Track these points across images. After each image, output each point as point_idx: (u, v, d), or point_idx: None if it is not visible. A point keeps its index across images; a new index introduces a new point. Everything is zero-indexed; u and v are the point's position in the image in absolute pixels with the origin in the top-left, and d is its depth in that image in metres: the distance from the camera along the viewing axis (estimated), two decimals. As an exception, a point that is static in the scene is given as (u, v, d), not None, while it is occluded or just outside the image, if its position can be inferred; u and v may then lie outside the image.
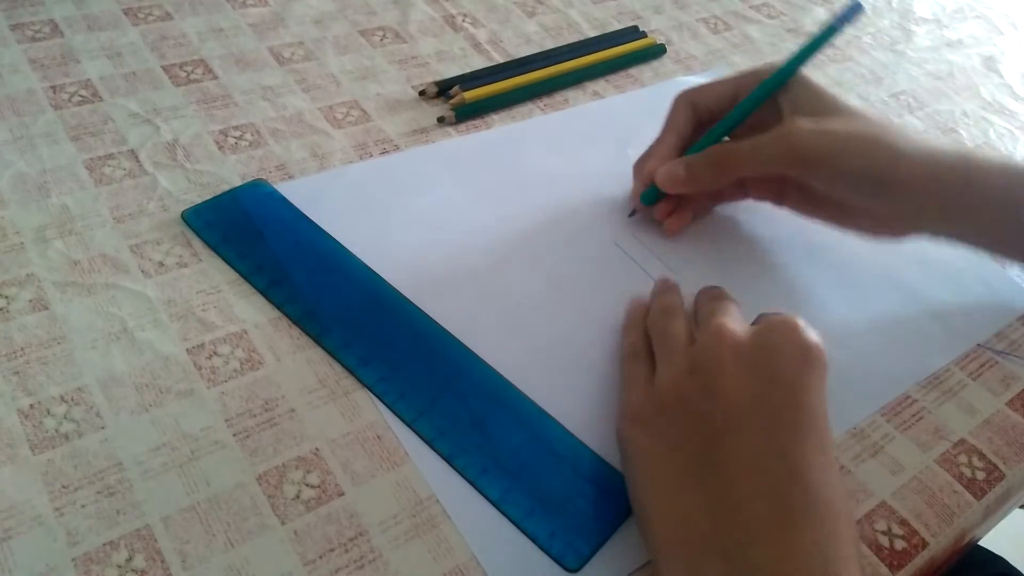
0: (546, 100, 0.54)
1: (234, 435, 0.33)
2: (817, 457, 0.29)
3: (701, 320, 0.36)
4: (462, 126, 0.51)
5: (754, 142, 0.40)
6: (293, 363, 0.36)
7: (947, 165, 0.40)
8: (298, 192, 0.43)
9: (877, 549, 0.34)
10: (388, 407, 0.35)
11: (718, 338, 0.32)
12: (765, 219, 0.48)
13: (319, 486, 0.32)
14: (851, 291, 0.45)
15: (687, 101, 0.44)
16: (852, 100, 0.61)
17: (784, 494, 0.28)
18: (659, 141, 0.44)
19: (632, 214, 0.46)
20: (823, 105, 0.41)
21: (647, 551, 0.31)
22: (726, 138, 0.44)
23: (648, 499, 0.31)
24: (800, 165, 0.40)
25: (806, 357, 0.31)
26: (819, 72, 0.63)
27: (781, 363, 0.31)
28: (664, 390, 0.33)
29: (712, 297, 0.38)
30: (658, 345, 0.36)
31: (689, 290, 0.42)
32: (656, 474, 0.31)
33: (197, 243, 0.40)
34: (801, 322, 0.33)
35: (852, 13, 0.42)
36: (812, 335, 0.32)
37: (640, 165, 0.45)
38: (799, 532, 0.27)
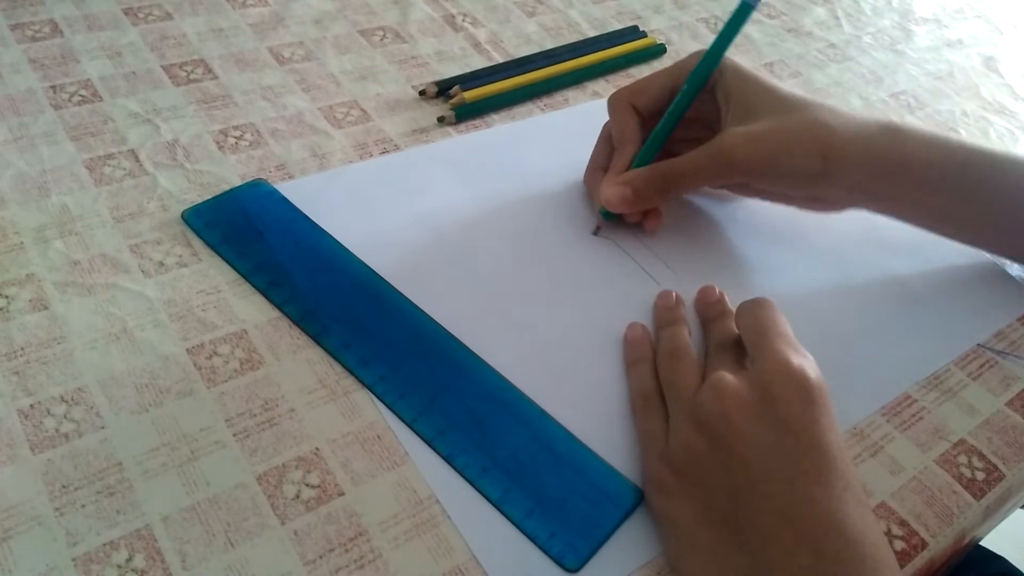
0: (546, 100, 0.54)
1: (234, 435, 0.33)
2: (845, 496, 0.29)
3: (706, 364, 0.36)
4: (462, 126, 0.51)
5: (695, 159, 0.40)
6: (293, 363, 0.36)
7: (880, 147, 0.41)
8: (298, 192, 0.43)
9: (877, 549, 0.34)
10: (388, 407, 0.35)
11: (719, 394, 0.32)
12: (765, 218, 0.48)
13: (319, 486, 0.32)
14: (851, 291, 0.45)
15: (626, 105, 0.43)
16: (853, 100, 0.61)
17: (821, 541, 0.28)
18: (618, 153, 0.43)
19: (596, 231, 0.45)
20: (755, 96, 0.41)
21: None
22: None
23: (690, 565, 0.31)
24: (740, 175, 0.41)
25: (809, 397, 0.31)
26: (819, 72, 0.63)
27: (787, 410, 0.31)
28: (677, 453, 0.32)
29: (716, 333, 0.38)
30: (668, 392, 0.36)
31: (689, 289, 0.42)
32: (692, 543, 0.31)
33: (197, 243, 0.40)
34: (793, 359, 0.32)
35: None
36: (807, 368, 0.32)
37: (592, 178, 0.45)
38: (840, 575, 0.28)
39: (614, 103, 0.44)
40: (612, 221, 0.45)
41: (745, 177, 0.41)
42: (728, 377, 0.33)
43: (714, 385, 0.32)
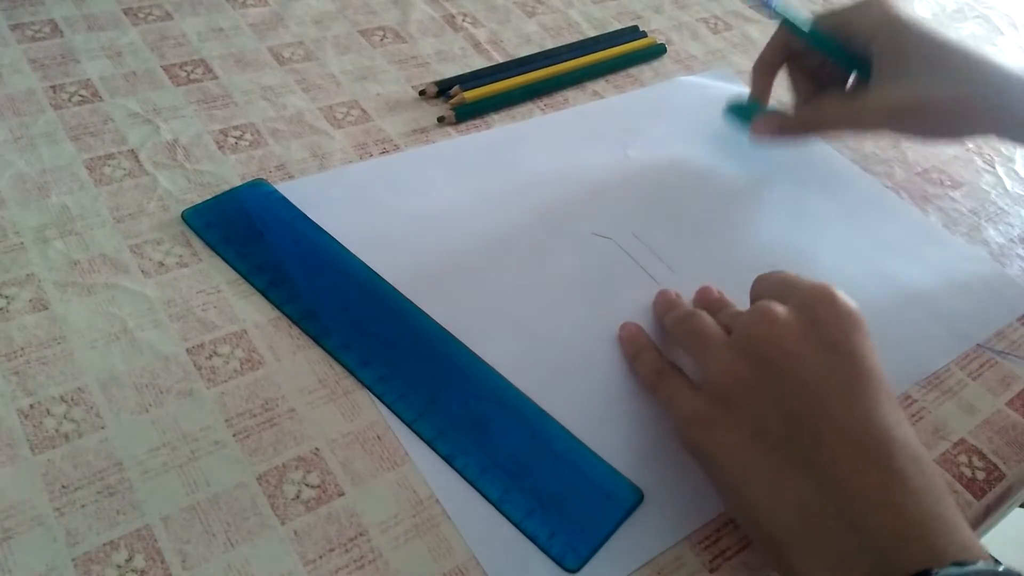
0: (546, 100, 0.54)
1: (234, 435, 0.33)
2: (895, 415, 0.30)
3: (733, 313, 0.36)
4: (462, 126, 0.51)
5: (841, 112, 0.45)
6: (293, 363, 0.36)
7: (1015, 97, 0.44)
8: (298, 192, 0.43)
9: (877, 549, 0.34)
10: (388, 407, 0.35)
11: (768, 319, 0.32)
12: (765, 219, 0.48)
13: (319, 486, 0.32)
14: (851, 291, 0.45)
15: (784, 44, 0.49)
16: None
17: (886, 458, 0.29)
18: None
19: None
20: (908, 53, 0.44)
21: (762, 549, 0.31)
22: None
23: (752, 496, 0.30)
24: (882, 133, 0.47)
25: (853, 321, 0.32)
26: (819, 72, 0.63)
27: (834, 333, 0.32)
28: (720, 383, 0.32)
29: (722, 316, 0.38)
30: (692, 345, 0.35)
31: (689, 289, 0.42)
32: (750, 469, 0.30)
33: (197, 243, 0.40)
34: (834, 288, 0.33)
35: None
36: (848, 298, 0.33)
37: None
38: (910, 490, 0.28)
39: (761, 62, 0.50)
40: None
41: (891, 132, 0.46)
42: (774, 304, 0.33)
43: (761, 310, 0.33)
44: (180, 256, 0.39)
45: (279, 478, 0.32)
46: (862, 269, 0.46)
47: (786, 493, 0.29)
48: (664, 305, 0.41)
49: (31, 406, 0.33)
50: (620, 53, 0.59)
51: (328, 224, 0.42)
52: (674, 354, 0.38)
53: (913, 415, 0.40)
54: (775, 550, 0.29)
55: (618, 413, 0.37)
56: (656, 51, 0.61)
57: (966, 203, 0.53)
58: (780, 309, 0.32)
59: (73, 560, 0.29)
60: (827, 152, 0.55)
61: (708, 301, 0.40)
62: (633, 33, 0.62)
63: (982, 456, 0.38)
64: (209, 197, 0.42)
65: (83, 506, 0.30)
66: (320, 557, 0.30)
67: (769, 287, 0.36)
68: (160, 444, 0.32)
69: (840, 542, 0.28)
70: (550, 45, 0.59)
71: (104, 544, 0.29)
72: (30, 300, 0.36)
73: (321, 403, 0.35)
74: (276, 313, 0.38)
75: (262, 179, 0.44)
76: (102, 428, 0.32)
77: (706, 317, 0.36)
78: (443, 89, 0.52)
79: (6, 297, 0.36)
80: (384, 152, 0.48)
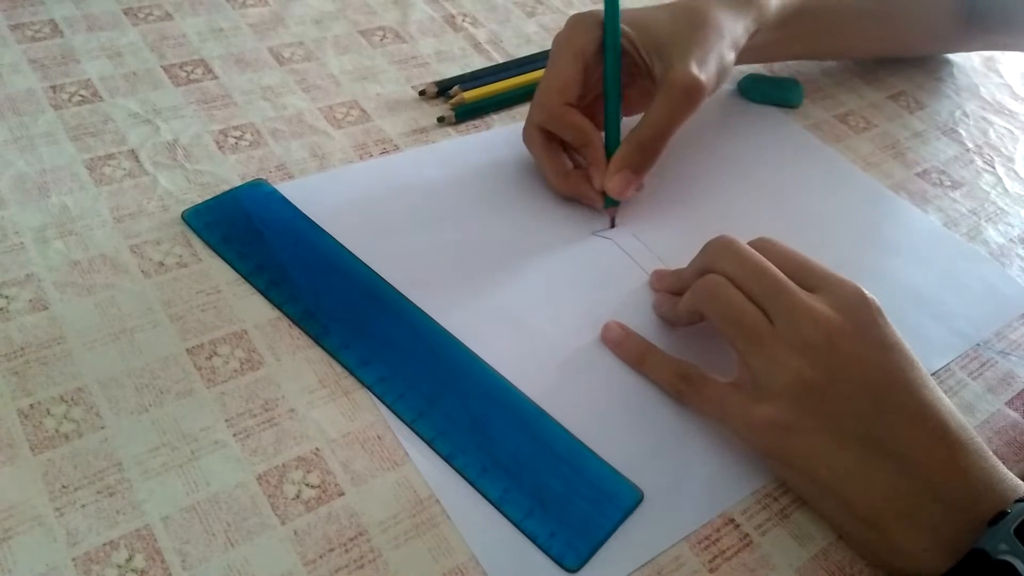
0: (546, 100, 0.54)
1: (234, 435, 0.33)
2: (935, 389, 0.33)
3: (770, 302, 0.35)
4: (462, 126, 0.51)
5: (667, 107, 0.42)
6: (293, 363, 0.36)
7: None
8: (298, 192, 0.43)
9: (877, 549, 0.34)
10: (388, 407, 0.35)
11: (818, 324, 0.33)
12: (764, 218, 0.48)
13: (319, 486, 0.32)
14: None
15: (565, 107, 0.44)
16: (852, 101, 0.61)
17: (943, 431, 0.32)
18: (588, 149, 0.44)
19: (613, 223, 0.46)
20: (658, 28, 0.44)
21: (857, 534, 0.33)
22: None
23: (843, 489, 0.32)
24: (707, 96, 0.43)
25: (883, 315, 0.34)
26: (819, 72, 0.63)
27: (877, 330, 0.34)
28: (792, 389, 0.33)
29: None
30: (738, 338, 0.34)
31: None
32: (839, 466, 0.32)
33: (197, 243, 0.40)
34: (862, 288, 0.35)
35: None
36: (868, 292, 0.35)
37: (571, 182, 0.45)
38: (969, 453, 0.32)
39: (554, 110, 0.44)
40: (614, 206, 0.45)
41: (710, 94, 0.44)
42: (817, 307, 0.34)
43: (807, 312, 0.33)
44: (180, 256, 0.39)
45: (279, 478, 0.32)
46: (862, 269, 0.46)
47: (875, 481, 0.32)
48: (670, 279, 0.41)
49: (31, 406, 0.33)
50: (620, 53, 0.59)
51: (328, 224, 0.42)
52: (662, 340, 0.38)
53: (913, 415, 0.40)
54: (873, 531, 0.32)
55: (618, 413, 0.37)
56: (656, 51, 0.60)
57: (966, 203, 0.53)
58: (823, 309, 0.34)
59: (73, 560, 0.29)
60: (827, 152, 0.55)
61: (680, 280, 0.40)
62: (633, 33, 0.62)
63: (982, 456, 0.38)
64: (209, 197, 0.42)
65: (83, 506, 0.30)
66: (320, 557, 0.30)
67: (785, 264, 0.36)
68: (160, 444, 0.32)
69: (929, 511, 0.31)
70: (550, 45, 0.59)
71: (104, 544, 0.29)
72: (30, 300, 0.36)
73: (321, 403, 0.35)
74: (276, 313, 0.38)
75: (262, 179, 0.44)
76: (102, 428, 0.32)
77: (745, 302, 0.35)
78: (443, 89, 0.52)
79: (6, 297, 0.36)
80: (384, 152, 0.48)
